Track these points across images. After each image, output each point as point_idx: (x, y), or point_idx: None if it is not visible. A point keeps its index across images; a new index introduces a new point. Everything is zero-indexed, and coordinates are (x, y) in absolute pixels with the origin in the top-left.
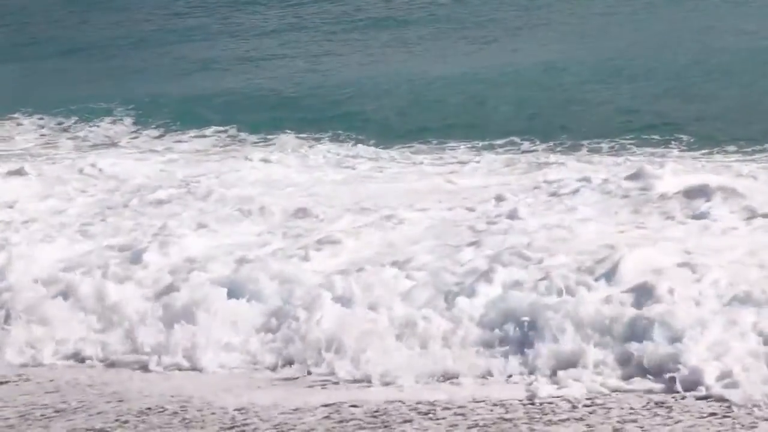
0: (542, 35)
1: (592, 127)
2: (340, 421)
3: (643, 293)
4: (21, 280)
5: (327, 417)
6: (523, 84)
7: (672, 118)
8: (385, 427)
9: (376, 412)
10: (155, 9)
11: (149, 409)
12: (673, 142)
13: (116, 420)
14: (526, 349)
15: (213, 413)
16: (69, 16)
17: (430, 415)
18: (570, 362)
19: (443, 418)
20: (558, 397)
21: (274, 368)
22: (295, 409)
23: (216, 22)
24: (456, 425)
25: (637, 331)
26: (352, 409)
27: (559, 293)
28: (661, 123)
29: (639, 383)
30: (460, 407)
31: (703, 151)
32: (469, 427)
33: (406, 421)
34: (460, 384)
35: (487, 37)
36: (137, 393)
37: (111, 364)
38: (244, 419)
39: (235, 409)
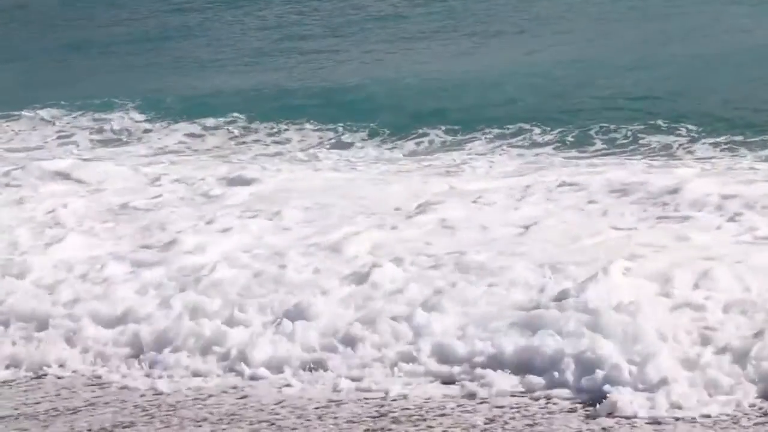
0: (547, 32)
1: (601, 125)
2: (375, 417)
3: (624, 305)
4: (26, 284)
5: (358, 411)
6: (532, 80)
7: (684, 116)
8: (421, 420)
9: (413, 407)
10: (157, 6)
11: (179, 402)
12: (682, 140)
13: (145, 414)
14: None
15: (246, 407)
16: (71, 12)
17: (466, 407)
18: (549, 366)
19: (475, 410)
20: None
21: (293, 367)
22: (327, 403)
23: (218, 19)
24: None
25: (602, 344)
26: (382, 404)
27: (546, 300)
28: (672, 121)
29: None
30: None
31: (710, 144)
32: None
33: (442, 415)
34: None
35: (487, 32)
36: (166, 388)
37: (135, 360)
38: (277, 414)
39: (267, 404)
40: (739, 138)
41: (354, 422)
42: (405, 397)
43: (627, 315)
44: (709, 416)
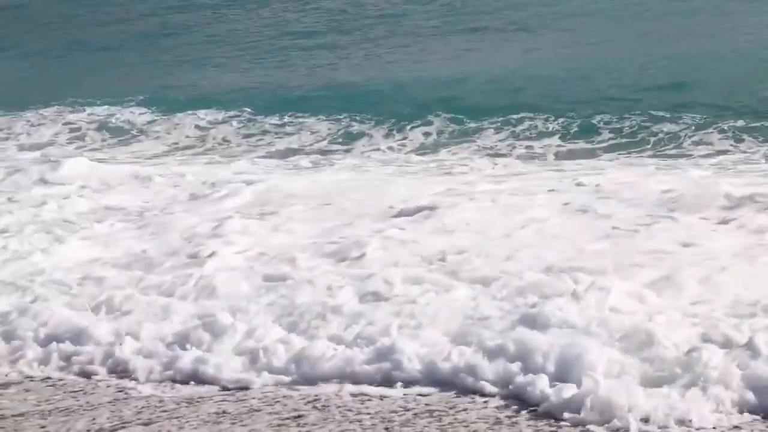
0: (547, 29)
1: (605, 121)
2: (399, 410)
3: (625, 311)
4: (27, 286)
5: (376, 409)
6: (535, 76)
7: (690, 110)
8: (439, 415)
9: (436, 402)
10: (158, 3)
11: (201, 398)
12: (690, 133)
13: (163, 411)
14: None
15: (272, 403)
16: (72, 11)
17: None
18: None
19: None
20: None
21: (303, 365)
22: (355, 396)
23: (219, 17)
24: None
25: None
26: (408, 401)
27: (542, 305)
28: (678, 114)
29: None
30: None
31: (718, 137)
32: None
33: (460, 411)
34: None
35: (488, 29)
36: (187, 383)
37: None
38: (299, 411)
39: (295, 399)
40: (746, 128)
41: (376, 420)
42: (407, 397)
43: (627, 321)
44: (709, 425)
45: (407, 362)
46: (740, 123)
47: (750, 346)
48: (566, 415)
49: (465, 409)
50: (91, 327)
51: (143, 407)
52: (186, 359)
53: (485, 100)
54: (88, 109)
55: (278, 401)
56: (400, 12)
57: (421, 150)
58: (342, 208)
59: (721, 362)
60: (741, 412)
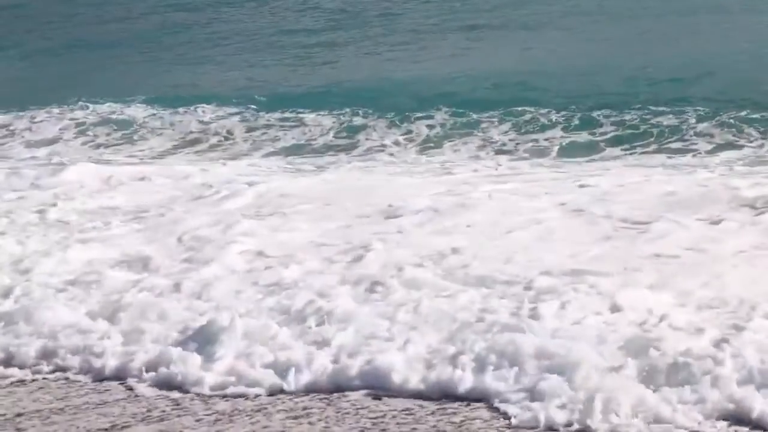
0: (546, 27)
1: (607, 118)
2: (413, 407)
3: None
4: (29, 286)
5: (385, 408)
6: (537, 73)
7: (694, 106)
8: (453, 412)
9: (445, 402)
10: (157, 2)
11: (209, 397)
12: (693, 124)
13: (173, 409)
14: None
15: (284, 400)
16: (71, 10)
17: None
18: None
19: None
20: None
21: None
22: (367, 394)
23: (219, 16)
24: None
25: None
26: (420, 398)
27: (537, 312)
28: (683, 111)
29: None
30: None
31: (722, 133)
32: None
33: (473, 409)
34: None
35: (488, 26)
36: (190, 383)
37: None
38: (312, 407)
39: (308, 397)
40: (748, 119)
41: (384, 419)
42: (417, 396)
43: (628, 324)
44: (709, 430)
45: (407, 365)
46: (743, 114)
47: (751, 350)
48: (565, 419)
49: (475, 409)
50: (92, 328)
51: (152, 406)
52: (187, 360)
53: (486, 97)
54: (90, 108)
55: (289, 399)
56: (400, 11)
57: (423, 147)
58: (343, 208)
59: (723, 366)
60: (742, 417)
